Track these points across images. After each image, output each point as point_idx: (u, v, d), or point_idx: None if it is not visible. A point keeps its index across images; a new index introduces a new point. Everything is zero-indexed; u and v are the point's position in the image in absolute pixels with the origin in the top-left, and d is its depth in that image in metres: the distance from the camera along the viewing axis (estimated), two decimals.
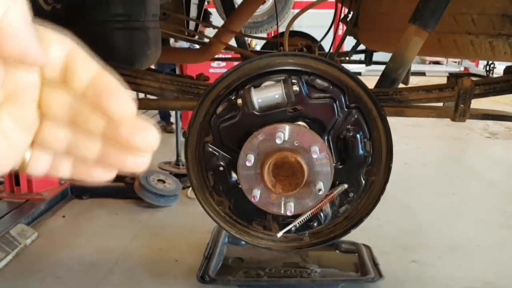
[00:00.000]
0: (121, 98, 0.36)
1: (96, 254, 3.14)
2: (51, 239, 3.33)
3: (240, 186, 1.21)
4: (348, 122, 1.21)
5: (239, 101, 1.18)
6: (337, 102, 1.20)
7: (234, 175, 1.24)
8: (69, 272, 2.92)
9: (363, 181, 1.24)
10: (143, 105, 1.47)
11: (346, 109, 1.20)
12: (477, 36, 1.51)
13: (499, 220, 3.77)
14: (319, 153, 1.10)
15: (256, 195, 1.13)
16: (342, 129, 1.21)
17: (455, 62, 13.30)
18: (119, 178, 4.00)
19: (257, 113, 1.18)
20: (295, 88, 1.16)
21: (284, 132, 1.10)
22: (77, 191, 3.98)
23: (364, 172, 1.24)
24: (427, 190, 4.43)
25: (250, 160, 1.10)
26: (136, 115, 0.38)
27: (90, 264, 3.01)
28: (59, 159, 0.42)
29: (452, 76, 1.39)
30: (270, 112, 1.18)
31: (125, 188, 3.91)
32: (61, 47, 0.36)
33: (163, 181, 3.91)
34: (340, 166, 1.24)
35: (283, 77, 1.18)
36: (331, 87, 1.19)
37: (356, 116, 1.20)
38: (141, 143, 0.38)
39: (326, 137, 1.21)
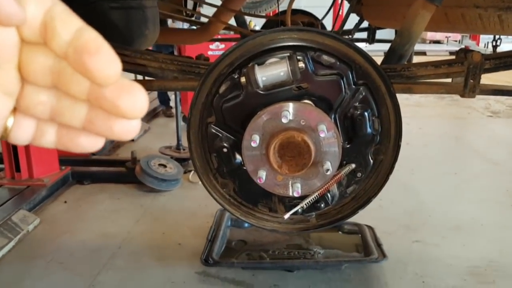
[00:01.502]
0: (104, 56, 0.33)
1: (99, 239, 3.13)
2: (53, 224, 3.32)
3: (245, 167, 1.17)
4: (356, 100, 1.17)
5: (243, 79, 1.14)
6: (344, 79, 1.15)
7: (238, 157, 1.20)
8: (72, 258, 2.91)
9: (371, 161, 1.21)
10: (143, 87, 1.42)
11: (353, 86, 1.16)
12: (486, 10, 1.46)
13: (502, 199, 3.75)
14: (327, 132, 1.07)
15: (262, 176, 1.10)
16: (350, 107, 1.17)
17: (456, 41, 13.19)
18: (120, 163, 3.98)
19: (261, 92, 1.14)
20: (301, 64, 1.12)
21: (289, 111, 1.06)
22: (78, 177, 3.95)
23: (372, 151, 1.21)
24: (430, 170, 4.41)
25: (255, 140, 1.07)
26: (122, 76, 0.35)
27: (93, 249, 3.00)
28: (43, 127, 0.40)
29: (461, 51, 1.35)
30: (275, 90, 1.14)
31: (126, 173, 3.89)
32: (39, 3, 0.33)
33: (164, 166, 3.88)
34: (348, 146, 1.20)
35: (288, 54, 1.14)
36: (338, 63, 1.15)
37: (364, 93, 1.16)
38: (128, 106, 0.35)
39: (333, 116, 1.17)
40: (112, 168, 4.00)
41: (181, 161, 4.16)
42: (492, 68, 1.29)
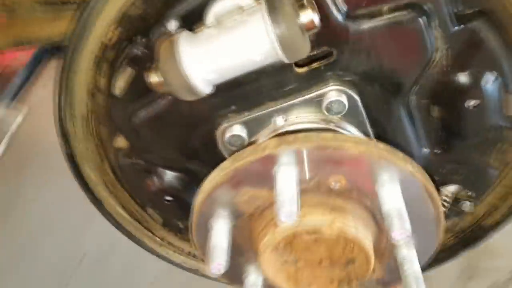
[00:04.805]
0: None
1: None
2: None
3: None
4: (459, 57, 0.45)
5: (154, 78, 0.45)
6: (423, 18, 0.42)
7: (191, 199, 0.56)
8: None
9: (492, 171, 0.54)
10: None
11: (451, 28, 0.43)
12: None
13: None
14: (407, 189, 0.40)
15: None
16: (445, 78, 0.46)
17: None
18: None
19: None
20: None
21: (304, 164, 0.37)
22: None
23: (495, 155, 0.53)
24: None
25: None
26: None
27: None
28: None
29: None
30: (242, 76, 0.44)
31: None
32: None
33: None
34: (438, 152, 0.53)
35: None
36: None
37: (481, 35, 0.43)
38: None
39: (401, 109, 0.48)
40: None
41: None
42: None
